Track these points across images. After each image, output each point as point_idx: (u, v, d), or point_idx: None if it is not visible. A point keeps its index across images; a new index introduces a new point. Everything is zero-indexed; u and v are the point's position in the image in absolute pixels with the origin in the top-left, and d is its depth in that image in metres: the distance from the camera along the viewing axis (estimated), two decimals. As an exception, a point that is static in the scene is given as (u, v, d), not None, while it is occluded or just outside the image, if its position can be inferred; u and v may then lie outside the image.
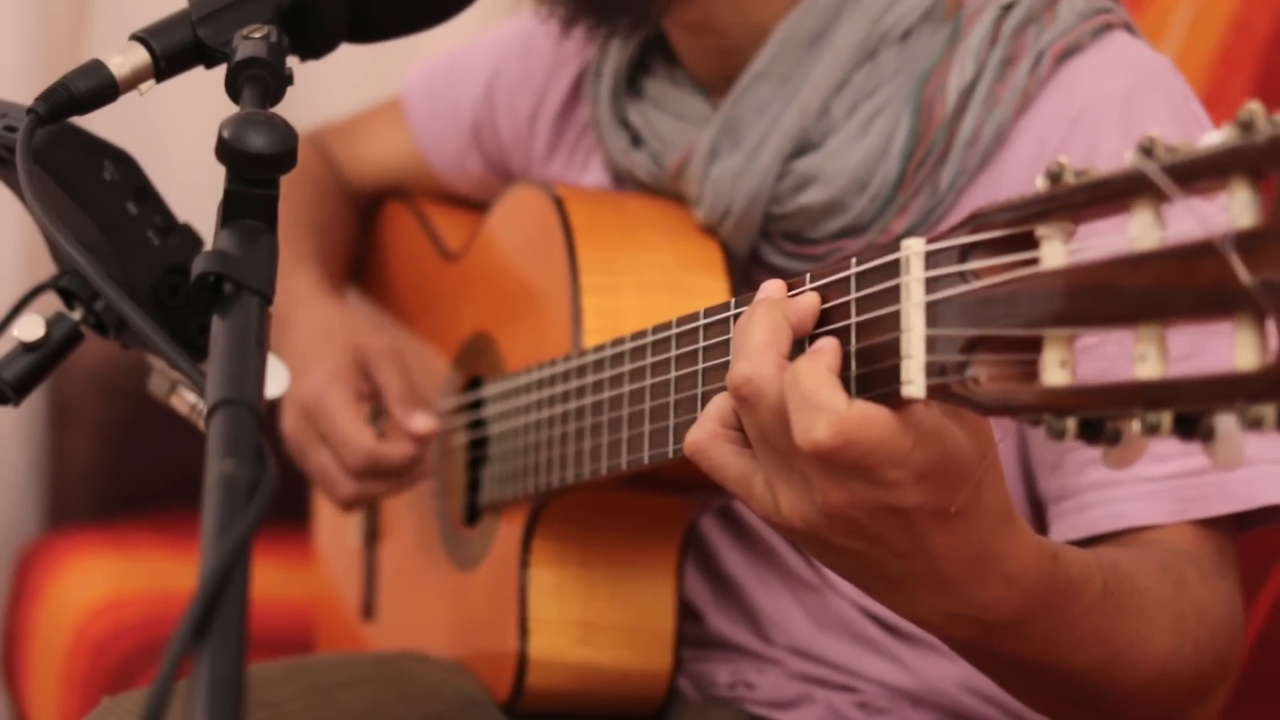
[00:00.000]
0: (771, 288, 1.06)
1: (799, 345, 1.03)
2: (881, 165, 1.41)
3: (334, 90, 2.52)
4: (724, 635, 1.55)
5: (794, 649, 1.52)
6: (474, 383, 1.65)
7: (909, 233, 1.41)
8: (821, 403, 0.95)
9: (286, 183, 1.86)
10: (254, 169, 1.01)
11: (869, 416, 0.95)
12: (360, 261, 1.95)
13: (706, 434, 1.05)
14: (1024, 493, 1.42)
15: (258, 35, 1.13)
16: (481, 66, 1.79)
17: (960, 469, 0.97)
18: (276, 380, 1.41)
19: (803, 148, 1.44)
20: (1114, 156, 0.99)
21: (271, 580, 2.30)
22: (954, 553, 1.01)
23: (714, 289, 1.45)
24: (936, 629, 1.09)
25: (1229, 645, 1.27)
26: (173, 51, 1.16)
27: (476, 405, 1.61)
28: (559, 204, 1.49)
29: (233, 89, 1.11)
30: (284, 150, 1.01)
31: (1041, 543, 1.06)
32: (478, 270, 1.68)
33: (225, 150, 1.00)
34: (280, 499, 1.61)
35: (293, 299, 1.72)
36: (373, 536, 1.87)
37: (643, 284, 1.45)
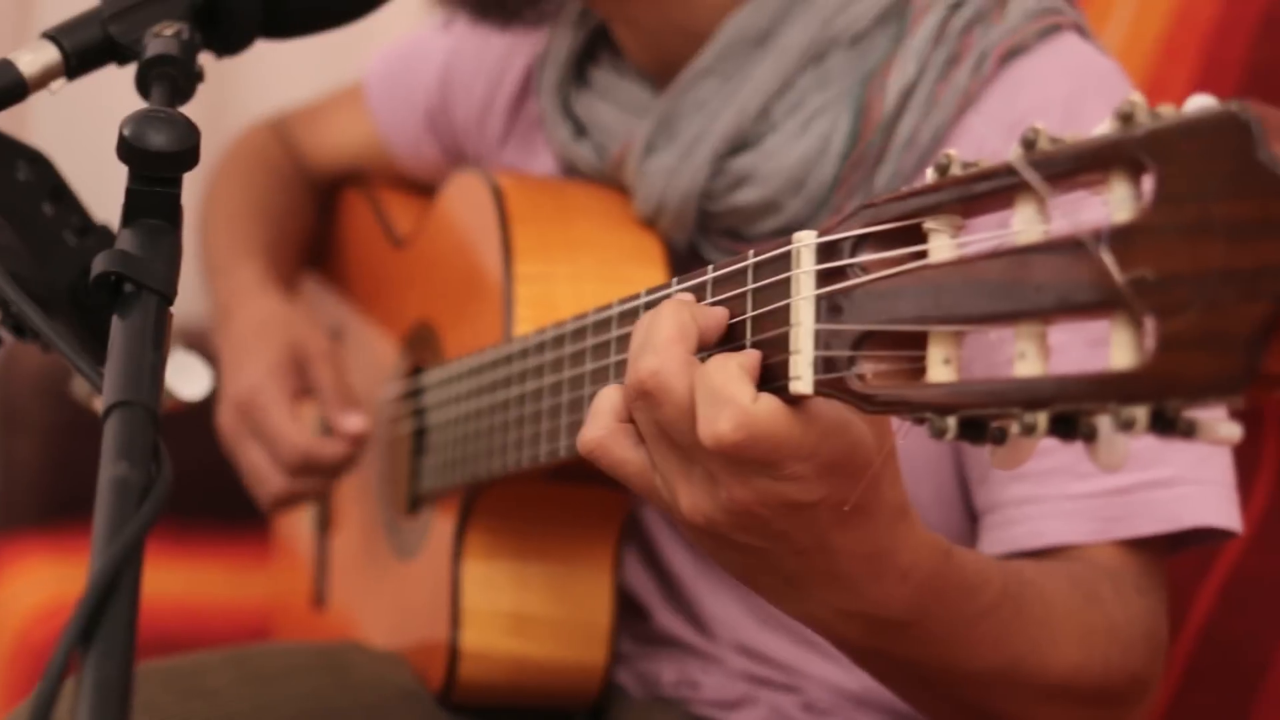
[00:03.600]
0: (681, 296, 1.03)
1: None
2: (818, 167, 1.37)
3: (286, 79, 2.49)
4: (670, 632, 1.53)
5: (738, 647, 1.51)
6: (418, 371, 1.64)
7: None
8: (728, 396, 0.93)
9: (242, 170, 1.87)
10: (155, 167, 1.00)
11: (774, 410, 0.93)
12: (318, 248, 1.94)
13: (603, 430, 1.01)
14: (962, 505, 1.39)
15: (169, 33, 1.12)
16: (437, 51, 1.77)
17: (862, 462, 0.95)
18: (198, 382, 1.40)
19: (738, 146, 1.41)
20: None
21: (227, 584, 2.30)
22: (852, 549, 0.99)
23: (652, 280, 1.41)
24: (830, 629, 1.07)
25: (1145, 663, 1.24)
26: (83, 49, 1.15)
27: (419, 394, 1.60)
28: (496, 192, 1.47)
29: (143, 86, 1.11)
30: (185, 148, 1.00)
31: (935, 539, 1.05)
32: (422, 257, 1.66)
33: (126, 149, 1.00)
34: (236, 501, 1.60)
35: (235, 291, 1.72)
36: (325, 524, 1.86)
37: (578, 273, 1.42)
